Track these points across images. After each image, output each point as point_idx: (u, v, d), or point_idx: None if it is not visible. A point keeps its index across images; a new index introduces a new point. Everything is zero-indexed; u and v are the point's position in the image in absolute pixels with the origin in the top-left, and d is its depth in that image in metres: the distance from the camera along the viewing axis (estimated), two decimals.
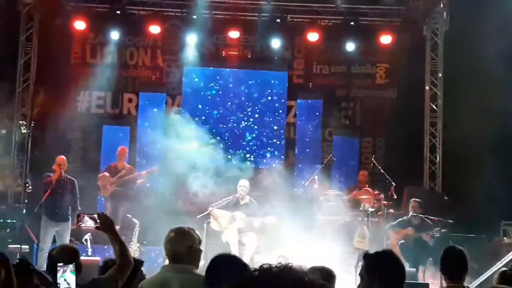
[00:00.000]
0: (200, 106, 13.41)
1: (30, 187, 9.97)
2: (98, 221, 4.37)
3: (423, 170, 12.87)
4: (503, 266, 9.23)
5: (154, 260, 9.95)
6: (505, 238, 11.12)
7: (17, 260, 3.88)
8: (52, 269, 4.17)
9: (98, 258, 9.46)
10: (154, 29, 12.59)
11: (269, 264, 2.15)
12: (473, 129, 11.22)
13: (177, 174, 12.53)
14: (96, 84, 12.68)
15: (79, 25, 12.43)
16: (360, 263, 3.98)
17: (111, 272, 4.29)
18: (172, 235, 4.37)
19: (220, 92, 13.45)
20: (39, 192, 10.03)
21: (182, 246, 4.27)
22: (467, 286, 5.01)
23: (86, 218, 4.46)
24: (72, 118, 12.36)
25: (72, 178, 10.13)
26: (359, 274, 3.84)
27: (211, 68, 13.51)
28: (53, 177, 9.83)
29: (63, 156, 10.19)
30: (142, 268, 4.71)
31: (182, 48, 13.00)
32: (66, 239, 9.50)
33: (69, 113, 12.30)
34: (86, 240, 9.75)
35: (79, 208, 9.82)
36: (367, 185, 11.71)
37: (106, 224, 4.34)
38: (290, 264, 2.16)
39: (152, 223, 10.97)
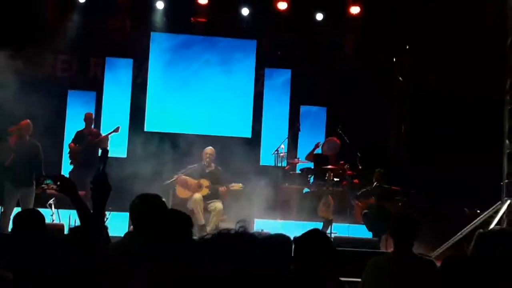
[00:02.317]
0: (167, 72, 13.34)
1: None
2: (58, 183, 4.30)
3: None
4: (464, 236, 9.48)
5: (120, 226, 9.94)
6: (465, 209, 11.34)
7: None
8: (16, 234, 4.16)
9: (62, 223, 9.44)
10: None
11: (228, 229, 2.21)
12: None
13: (144, 138, 12.56)
14: (61, 48, 12.47)
15: None
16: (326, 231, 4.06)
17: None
18: (138, 202, 4.37)
19: (188, 59, 13.39)
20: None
21: (148, 213, 4.28)
22: (422, 254, 5.13)
23: (48, 180, 4.42)
24: (36, 81, 12.17)
25: (37, 143, 9.99)
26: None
27: (179, 34, 13.40)
28: (10, 140, 9.69)
29: (27, 120, 10.04)
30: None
31: (150, 13, 12.86)
32: (30, 204, 9.41)
33: (33, 76, 12.11)
34: (50, 204, 9.68)
35: (43, 173, 9.71)
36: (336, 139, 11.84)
37: (66, 186, 4.29)
38: (248, 229, 2.22)
39: (118, 189, 10.93)
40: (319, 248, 3.87)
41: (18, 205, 9.46)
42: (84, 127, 11.60)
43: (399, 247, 4.72)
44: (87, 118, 11.58)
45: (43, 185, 9.93)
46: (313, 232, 4.02)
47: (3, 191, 9.65)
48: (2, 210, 9.61)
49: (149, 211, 4.24)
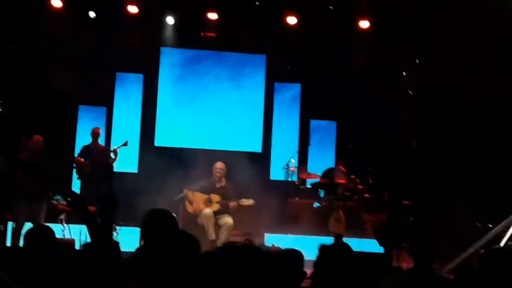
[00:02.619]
0: (177, 87, 13.38)
1: None
2: (68, 199, 4.31)
3: None
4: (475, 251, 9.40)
5: (131, 240, 9.93)
6: (477, 223, 11.25)
7: None
8: (27, 250, 4.15)
9: (73, 238, 9.42)
10: (132, 8, 12.47)
11: (234, 242, 2.23)
12: None
13: (154, 153, 12.58)
14: (72, 63, 12.51)
15: (55, 2, 12.26)
16: None
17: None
18: (148, 217, 4.36)
19: (197, 74, 13.42)
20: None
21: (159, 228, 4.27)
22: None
23: (57, 196, 4.43)
24: (47, 97, 12.24)
25: (48, 158, 10.01)
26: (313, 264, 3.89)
27: (189, 49, 13.44)
28: (20, 155, 9.71)
29: (38, 136, 10.06)
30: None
31: (160, 28, 12.91)
32: (41, 220, 9.41)
33: (43, 92, 12.19)
34: (60, 219, 9.68)
35: (54, 188, 9.74)
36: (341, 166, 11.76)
37: (75, 202, 4.30)
38: (252, 241, 2.24)
39: (129, 204, 10.95)
40: (343, 257, 3.83)
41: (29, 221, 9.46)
42: (91, 141, 11.62)
43: (420, 263, 4.68)
44: (94, 133, 11.61)
45: (53, 201, 9.99)
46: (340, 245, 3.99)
47: (14, 207, 9.68)
48: (14, 225, 9.63)
49: (159, 226, 4.23)
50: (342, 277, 3.75)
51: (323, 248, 3.91)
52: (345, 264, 3.81)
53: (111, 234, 4.39)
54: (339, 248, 3.87)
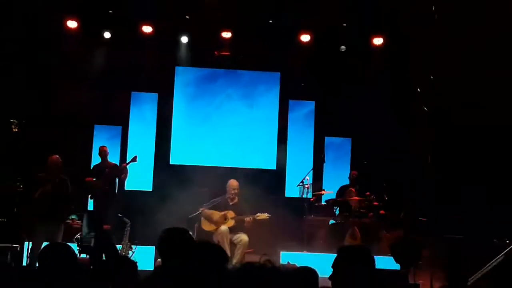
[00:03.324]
0: (191, 106, 13.44)
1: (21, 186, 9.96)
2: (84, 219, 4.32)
3: None
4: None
5: (146, 259, 9.95)
6: (495, 240, 11.15)
7: None
8: (44, 269, 4.16)
9: (88, 257, 9.44)
10: (146, 28, 12.58)
11: (252, 262, 2.23)
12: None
13: (169, 172, 12.61)
14: (88, 83, 12.59)
15: (71, 23, 12.40)
16: None
17: None
18: (165, 235, 4.37)
19: (212, 93, 13.48)
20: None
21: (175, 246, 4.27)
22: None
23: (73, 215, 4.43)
24: (62, 117, 12.33)
25: (65, 177, 10.08)
26: (332, 266, 3.83)
27: (203, 68, 13.52)
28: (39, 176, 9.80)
29: (56, 155, 10.17)
30: None
31: (175, 48, 13.00)
32: (59, 239, 9.45)
33: (59, 112, 12.29)
34: (76, 239, 9.72)
35: (72, 207, 9.83)
36: (355, 187, 11.73)
37: (92, 222, 4.30)
38: (271, 263, 2.24)
39: (144, 222, 10.98)
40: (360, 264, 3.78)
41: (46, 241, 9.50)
42: (100, 161, 11.66)
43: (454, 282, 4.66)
44: (102, 152, 11.65)
45: (68, 221, 10.05)
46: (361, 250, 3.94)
47: (31, 227, 9.74)
48: (31, 246, 9.69)
49: (176, 244, 4.23)
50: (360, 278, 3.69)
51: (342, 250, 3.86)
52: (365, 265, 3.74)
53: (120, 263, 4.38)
54: (359, 249, 3.81)
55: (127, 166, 11.45)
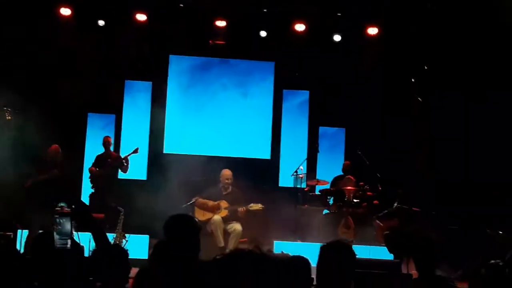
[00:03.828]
0: (185, 95, 13.40)
1: None
2: (72, 206, 4.29)
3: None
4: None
5: (140, 248, 9.95)
6: (488, 230, 11.20)
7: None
8: (36, 257, 4.16)
9: (82, 245, 9.42)
10: (140, 16, 12.52)
11: (241, 249, 2.22)
12: None
13: (163, 160, 12.59)
14: (81, 71, 12.53)
15: (64, 11, 12.32)
16: None
17: None
18: (172, 222, 4.33)
19: (206, 81, 13.44)
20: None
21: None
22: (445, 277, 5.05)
23: (62, 203, 4.39)
24: (56, 105, 12.28)
25: (64, 167, 10.17)
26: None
27: (197, 56, 13.47)
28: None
29: (56, 145, 10.25)
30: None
31: (168, 36, 12.93)
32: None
33: (53, 100, 12.24)
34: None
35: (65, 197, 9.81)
36: (351, 176, 11.73)
37: (79, 210, 4.25)
38: (259, 248, 2.23)
39: (138, 211, 10.97)
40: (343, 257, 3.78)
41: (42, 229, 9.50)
42: (103, 151, 11.69)
43: (422, 270, 4.66)
44: (106, 142, 11.68)
45: (57, 208, 10.01)
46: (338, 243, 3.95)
47: (27, 215, 9.76)
48: (28, 234, 9.71)
49: (183, 231, 4.17)
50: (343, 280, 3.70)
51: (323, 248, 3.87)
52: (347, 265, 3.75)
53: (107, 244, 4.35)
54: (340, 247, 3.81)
55: (129, 158, 11.45)
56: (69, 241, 3.91)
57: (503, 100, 11.32)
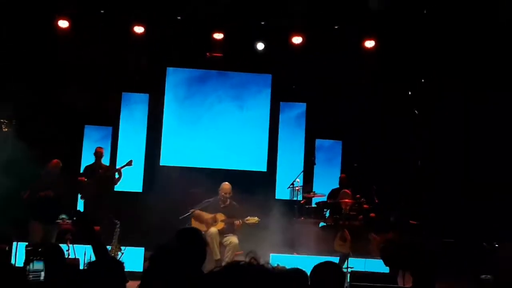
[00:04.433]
0: (182, 107, 13.41)
1: None
2: (74, 218, 4.33)
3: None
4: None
5: (135, 260, 9.93)
6: (484, 243, 11.18)
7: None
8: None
9: (78, 258, 9.41)
10: (138, 29, 12.54)
11: (238, 261, 2.21)
12: None
13: (159, 173, 12.59)
14: (78, 83, 12.53)
15: (62, 23, 12.34)
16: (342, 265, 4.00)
17: None
18: (181, 234, 4.34)
19: (203, 94, 13.46)
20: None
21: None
22: None
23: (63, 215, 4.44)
24: (52, 117, 12.29)
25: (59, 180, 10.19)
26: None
27: (194, 69, 13.49)
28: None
29: (57, 159, 10.28)
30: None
31: (166, 48, 12.95)
32: (53, 239, 9.47)
33: (50, 112, 12.25)
34: (66, 239, 9.67)
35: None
36: (347, 189, 11.72)
37: (81, 222, 4.27)
38: (256, 260, 2.22)
39: (133, 224, 10.95)
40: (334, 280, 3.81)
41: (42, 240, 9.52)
42: (94, 161, 11.64)
43: (420, 283, 4.66)
44: (98, 153, 11.64)
45: (58, 220, 10.04)
46: (329, 264, 3.98)
47: (27, 227, 9.77)
48: (27, 246, 9.69)
49: (190, 244, 4.18)
50: None
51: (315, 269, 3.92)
52: None
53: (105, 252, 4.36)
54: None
55: (122, 170, 11.43)
56: (42, 274, 3.96)
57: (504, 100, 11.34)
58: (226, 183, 10.81)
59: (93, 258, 4.54)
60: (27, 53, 12.17)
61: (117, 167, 11.65)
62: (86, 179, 11.43)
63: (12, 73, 12.02)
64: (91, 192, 11.32)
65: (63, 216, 10.50)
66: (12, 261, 9.78)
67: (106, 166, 11.69)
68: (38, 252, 4.46)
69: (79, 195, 11.62)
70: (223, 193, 10.65)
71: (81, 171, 11.89)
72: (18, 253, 9.80)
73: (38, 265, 3.96)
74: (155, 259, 4.28)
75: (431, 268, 4.69)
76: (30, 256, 3.98)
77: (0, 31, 11.85)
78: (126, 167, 11.38)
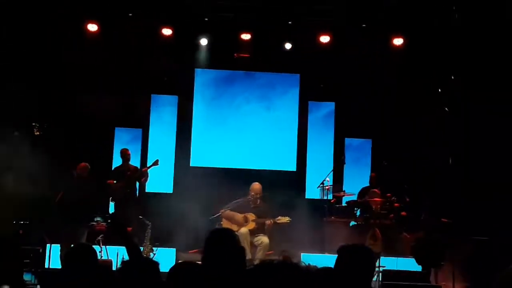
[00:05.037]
0: (211, 108, 13.46)
1: None
2: (109, 221, 4.38)
3: None
4: None
5: (167, 261, 9.98)
6: None
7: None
8: (68, 270, 4.20)
9: (110, 259, 9.51)
10: (166, 31, 12.61)
11: (271, 259, 2.23)
12: None
13: (190, 174, 12.65)
14: (108, 86, 12.63)
15: (91, 26, 12.46)
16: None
17: None
18: (212, 236, 4.35)
19: (231, 94, 13.49)
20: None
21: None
22: None
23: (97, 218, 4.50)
24: (83, 120, 12.42)
25: (92, 182, 10.31)
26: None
27: (223, 70, 13.54)
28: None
29: (85, 163, 10.40)
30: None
31: (194, 50, 13.01)
32: (84, 240, 9.60)
33: (80, 115, 12.38)
34: (98, 241, 9.78)
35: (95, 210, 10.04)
36: (377, 188, 11.66)
37: (116, 225, 4.33)
38: (289, 258, 2.23)
39: (164, 225, 11.01)
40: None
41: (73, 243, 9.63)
42: (121, 163, 11.73)
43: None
44: (124, 155, 11.70)
45: (93, 223, 10.17)
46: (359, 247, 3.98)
47: (58, 230, 9.92)
48: (61, 248, 9.86)
49: (223, 246, 4.18)
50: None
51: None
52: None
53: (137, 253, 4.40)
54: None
55: (148, 170, 11.49)
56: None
57: None
58: (256, 183, 10.83)
59: (127, 259, 4.58)
60: (57, 57, 12.31)
61: (144, 168, 11.73)
62: (114, 181, 11.53)
63: (42, 76, 12.18)
64: (120, 194, 11.40)
65: (98, 218, 10.63)
66: (46, 264, 9.95)
67: (134, 167, 11.76)
68: (72, 254, 4.51)
69: (110, 198, 11.72)
70: (253, 193, 10.67)
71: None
72: (52, 255, 9.96)
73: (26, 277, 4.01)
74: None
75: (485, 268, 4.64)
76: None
77: (31, 35, 12.01)
78: (153, 167, 11.44)
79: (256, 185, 10.77)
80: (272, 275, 2.17)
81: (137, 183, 11.66)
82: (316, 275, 4.24)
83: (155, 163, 11.44)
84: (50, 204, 10.17)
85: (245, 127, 13.37)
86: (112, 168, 12.05)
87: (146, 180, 11.58)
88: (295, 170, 13.31)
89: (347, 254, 3.81)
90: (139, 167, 11.89)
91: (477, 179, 11.76)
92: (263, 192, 10.80)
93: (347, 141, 13.40)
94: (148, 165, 11.63)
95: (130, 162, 11.73)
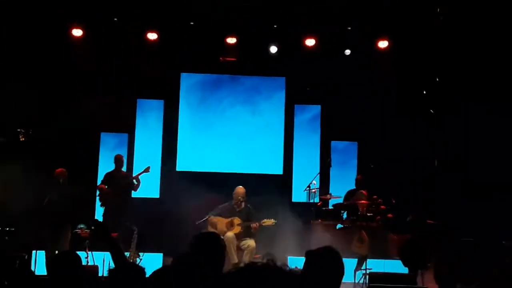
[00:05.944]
0: (197, 112, 13.43)
1: None
2: (92, 228, 4.37)
3: None
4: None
5: (153, 266, 9.94)
6: (504, 242, 11.11)
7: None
8: (53, 277, 4.18)
9: (97, 265, 9.46)
10: (151, 35, 12.58)
11: (255, 262, 2.22)
12: None
13: (176, 178, 12.61)
14: (93, 90, 12.58)
15: (76, 31, 12.40)
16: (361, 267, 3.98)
17: None
18: (198, 241, 4.34)
19: (217, 98, 13.47)
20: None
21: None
22: None
23: (81, 224, 4.48)
24: (68, 125, 12.35)
25: (73, 187, 10.23)
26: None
27: (208, 74, 13.52)
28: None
29: (63, 169, 10.34)
30: None
31: (179, 54, 12.98)
32: (66, 247, 9.54)
33: (66, 120, 12.31)
34: (84, 246, 9.74)
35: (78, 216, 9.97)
36: (364, 190, 11.68)
37: (99, 231, 4.30)
38: (273, 261, 2.22)
39: (151, 230, 10.97)
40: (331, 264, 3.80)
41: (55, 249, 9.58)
42: (113, 168, 11.69)
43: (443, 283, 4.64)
44: (118, 160, 11.68)
45: (77, 230, 10.12)
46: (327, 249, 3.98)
47: (42, 236, 9.85)
48: (46, 254, 9.79)
49: (209, 250, 4.18)
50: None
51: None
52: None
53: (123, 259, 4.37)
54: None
55: (139, 177, 11.45)
56: None
57: None
58: (240, 187, 10.83)
59: (112, 265, 4.56)
60: (41, 61, 12.24)
61: (135, 174, 11.68)
62: (106, 187, 11.48)
63: (26, 81, 12.09)
64: (110, 199, 11.36)
65: (81, 225, 10.60)
66: (32, 269, 9.87)
67: (125, 173, 11.73)
68: (56, 261, 4.49)
69: (99, 203, 11.65)
70: (237, 197, 10.68)
71: (100, 178, 11.93)
72: (38, 261, 9.90)
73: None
74: (176, 265, 4.29)
75: (455, 267, 4.67)
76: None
77: (14, 40, 11.95)
78: (144, 173, 11.41)
79: (240, 189, 10.78)
80: (253, 278, 2.16)
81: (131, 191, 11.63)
82: (300, 278, 4.24)
83: (146, 170, 11.41)
84: (33, 210, 10.11)
85: (232, 131, 13.36)
86: (103, 173, 11.97)
87: (138, 186, 11.53)
88: (281, 173, 13.31)
89: (315, 258, 3.81)
90: (131, 174, 11.83)
91: (477, 179, 11.80)
92: (250, 196, 10.80)
93: (333, 144, 13.42)
94: (139, 172, 11.57)
95: (123, 169, 11.73)
